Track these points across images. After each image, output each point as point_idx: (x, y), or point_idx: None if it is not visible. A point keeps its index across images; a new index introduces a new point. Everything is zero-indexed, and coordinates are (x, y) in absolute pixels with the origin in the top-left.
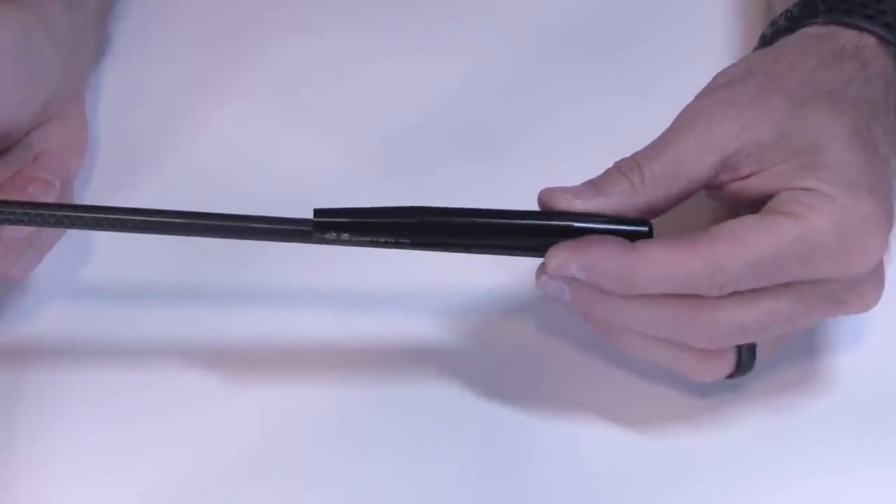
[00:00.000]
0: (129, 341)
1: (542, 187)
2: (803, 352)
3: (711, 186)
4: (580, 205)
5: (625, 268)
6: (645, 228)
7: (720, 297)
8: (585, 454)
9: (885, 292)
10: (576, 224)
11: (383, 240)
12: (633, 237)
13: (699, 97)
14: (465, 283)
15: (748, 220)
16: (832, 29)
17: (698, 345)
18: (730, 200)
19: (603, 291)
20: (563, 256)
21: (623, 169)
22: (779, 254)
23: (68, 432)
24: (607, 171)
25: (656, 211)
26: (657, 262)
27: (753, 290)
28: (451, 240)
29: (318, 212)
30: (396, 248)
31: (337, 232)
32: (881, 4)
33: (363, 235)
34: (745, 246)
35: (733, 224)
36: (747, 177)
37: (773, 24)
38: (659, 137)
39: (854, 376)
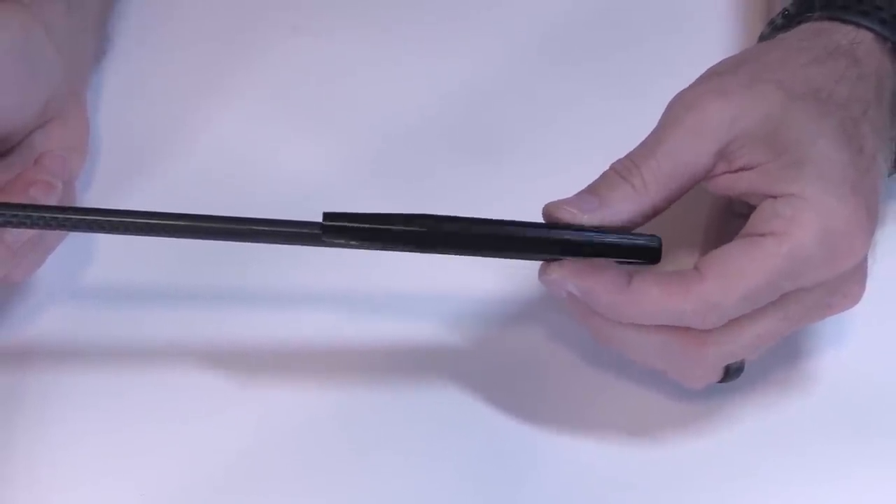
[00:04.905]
0: (131, 344)
1: (542, 187)
2: (795, 354)
3: (708, 178)
4: (586, 219)
5: (618, 303)
6: (654, 245)
7: (710, 330)
8: (583, 458)
9: (869, 292)
10: (583, 237)
11: (391, 245)
12: (641, 252)
13: (690, 87)
14: (470, 288)
15: (735, 252)
16: (828, 24)
17: (687, 373)
18: (722, 192)
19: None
20: (562, 275)
21: (622, 172)
22: (769, 279)
23: (69, 433)
24: (605, 176)
25: (658, 209)
26: (650, 301)
27: (742, 316)
28: (459, 249)
29: (327, 215)
30: (403, 251)
31: (345, 238)
32: (877, 0)
33: (371, 242)
34: (735, 281)
35: (720, 257)
36: (738, 171)
37: (770, 22)
38: (651, 134)
39: (843, 376)
